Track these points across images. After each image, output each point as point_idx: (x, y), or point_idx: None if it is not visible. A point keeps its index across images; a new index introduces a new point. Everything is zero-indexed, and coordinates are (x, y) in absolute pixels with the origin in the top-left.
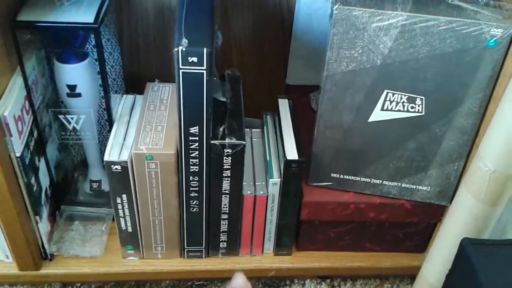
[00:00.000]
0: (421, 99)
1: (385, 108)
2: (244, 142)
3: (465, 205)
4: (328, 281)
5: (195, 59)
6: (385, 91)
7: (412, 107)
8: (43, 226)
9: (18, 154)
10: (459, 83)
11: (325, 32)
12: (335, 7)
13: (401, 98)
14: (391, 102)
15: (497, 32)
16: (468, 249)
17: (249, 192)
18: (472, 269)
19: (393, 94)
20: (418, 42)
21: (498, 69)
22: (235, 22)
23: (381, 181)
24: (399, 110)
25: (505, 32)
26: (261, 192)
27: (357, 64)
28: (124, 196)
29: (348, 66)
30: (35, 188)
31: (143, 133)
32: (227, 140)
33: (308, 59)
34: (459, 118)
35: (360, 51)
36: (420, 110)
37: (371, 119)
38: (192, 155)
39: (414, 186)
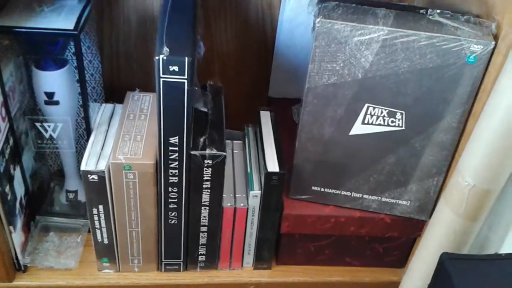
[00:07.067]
0: (401, 114)
1: (365, 121)
2: (224, 153)
3: (444, 220)
4: None
5: (176, 68)
6: (366, 105)
7: (392, 121)
8: (17, 237)
9: None
10: (439, 98)
11: (306, 46)
12: (317, 20)
13: (382, 112)
14: (371, 116)
15: (477, 48)
16: (447, 264)
17: (229, 204)
18: (451, 284)
19: (374, 108)
20: (399, 57)
21: (478, 85)
22: (218, 33)
23: (361, 195)
24: (379, 124)
25: (485, 49)
26: (241, 204)
27: (339, 77)
28: (100, 207)
29: (329, 79)
30: (9, 197)
31: (121, 142)
32: (208, 151)
33: (290, 72)
34: (439, 133)
35: (341, 65)
36: (400, 125)
37: (352, 132)
38: (172, 165)
39: (394, 201)
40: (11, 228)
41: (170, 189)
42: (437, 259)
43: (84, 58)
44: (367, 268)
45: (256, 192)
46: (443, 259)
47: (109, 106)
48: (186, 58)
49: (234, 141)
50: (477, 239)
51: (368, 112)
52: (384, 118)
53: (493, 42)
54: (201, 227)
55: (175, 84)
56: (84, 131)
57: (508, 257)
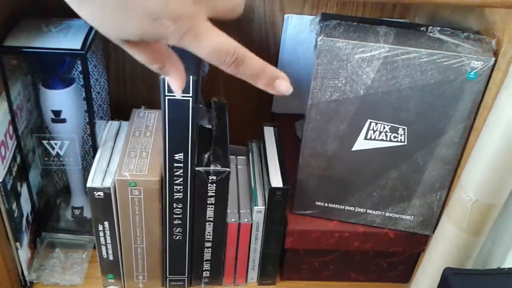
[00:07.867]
0: (404, 129)
1: (368, 137)
2: (228, 169)
3: (447, 235)
4: None
5: None
6: (368, 121)
7: (394, 137)
8: (23, 253)
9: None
10: (440, 114)
11: (309, 63)
12: (320, 38)
13: (384, 128)
14: (374, 131)
15: (477, 64)
16: (450, 279)
17: (233, 219)
18: None
19: (376, 123)
20: (400, 74)
21: (479, 100)
22: None
23: (365, 209)
24: (382, 140)
25: (485, 65)
26: (246, 220)
27: (341, 93)
28: (106, 223)
29: (332, 95)
30: (16, 214)
31: (127, 159)
32: (212, 167)
33: (293, 88)
34: (441, 148)
35: (343, 81)
36: (403, 140)
37: (354, 147)
38: (176, 182)
39: (397, 215)
40: (18, 244)
41: (175, 205)
42: (440, 274)
43: (90, 77)
44: (372, 283)
45: (260, 207)
46: (446, 274)
47: (115, 123)
48: (191, 77)
49: (238, 157)
50: (481, 254)
51: (371, 128)
52: (387, 133)
53: (493, 59)
54: (206, 243)
55: (180, 102)
56: (90, 148)
57: (511, 272)
